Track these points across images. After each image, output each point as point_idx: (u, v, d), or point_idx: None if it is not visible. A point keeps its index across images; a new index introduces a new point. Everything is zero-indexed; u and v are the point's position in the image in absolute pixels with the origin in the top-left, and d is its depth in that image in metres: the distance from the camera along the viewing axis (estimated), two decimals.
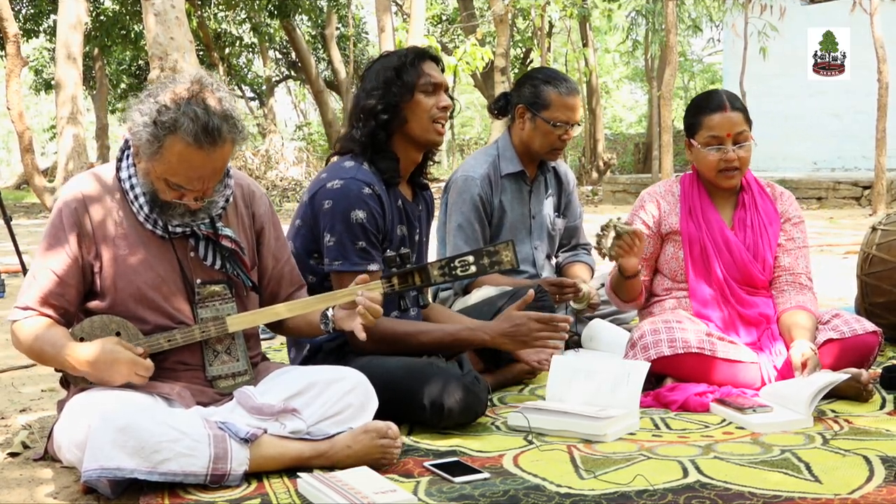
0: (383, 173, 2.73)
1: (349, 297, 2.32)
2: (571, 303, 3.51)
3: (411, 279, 2.32)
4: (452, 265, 2.32)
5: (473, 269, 2.32)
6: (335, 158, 2.84)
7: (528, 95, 3.51)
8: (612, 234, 2.95)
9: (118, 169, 2.34)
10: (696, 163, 3.13)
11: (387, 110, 2.72)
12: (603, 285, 3.83)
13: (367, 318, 2.28)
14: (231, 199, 2.43)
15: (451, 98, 2.83)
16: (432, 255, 3.44)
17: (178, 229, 2.32)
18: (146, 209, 2.29)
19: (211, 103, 2.18)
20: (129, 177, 2.31)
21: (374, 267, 2.64)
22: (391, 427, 2.24)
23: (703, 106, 3.09)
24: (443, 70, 2.84)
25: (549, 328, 2.68)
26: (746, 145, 3.05)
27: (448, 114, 2.78)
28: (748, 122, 3.07)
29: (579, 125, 3.59)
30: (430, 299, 3.01)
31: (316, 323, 2.40)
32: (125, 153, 2.33)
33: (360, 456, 2.19)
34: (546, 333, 2.68)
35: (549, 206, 3.71)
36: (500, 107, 3.65)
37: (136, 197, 2.30)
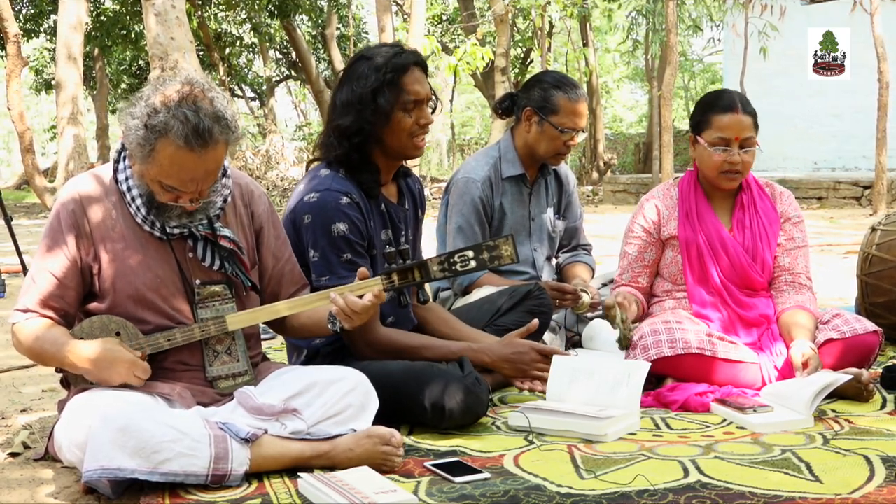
0: (362, 185, 2.68)
1: (349, 293, 2.31)
2: (571, 308, 3.51)
3: (411, 275, 2.31)
4: (452, 260, 2.31)
5: (473, 263, 2.31)
6: (315, 164, 2.80)
7: (538, 99, 3.49)
8: (619, 322, 2.96)
9: (115, 171, 2.33)
10: (699, 161, 3.11)
11: (359, 133, 2.64)
12: (604, 285, 3.84)
13: (348, 321, 2.28)
14: (230, 199, 2.43)
15: (436, 98, 2.73)
16: (429, 253, 3.43)
17: (176, 230, 2.32)
18: (143, 211, 2.29)
19: (202, 104, 2.17)
20: (126, 178, 2.31)
21: None
22: (395, 435, 2.23)
23: (714, 104, 3.06)
24: (426, 71, 2.71)
25: (548, 362, 2.73)
26: (752, 150, 3.04)
27: (428, 129, 2.70)
28: (756, 126, 3.06)
29: (584, 132, 3.58)
30: (429, 296, 3.00)
31: (323, 322, 2.40)
32: (121, 155, 2.33)
33: (361, 460, 2.19)
34: (544, 366, 2.72)
35: (549, 208, 3.71)
36: (505, 107, 3.64)
37: (133, 199, 2.30)
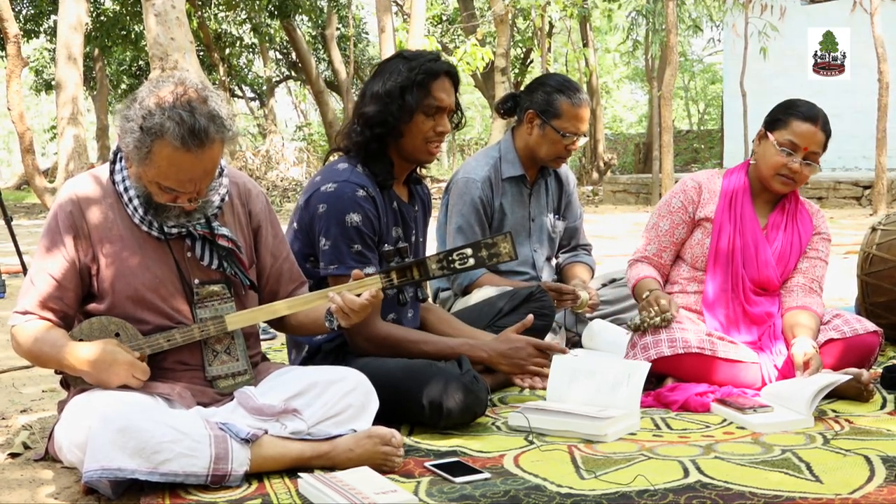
0: (377, 176, 2.72)
1: (347, 292, 2.32)
2: (570, 308, 3.51)
3: (410, 273, 2.31)
4: (451, 258, 2.31)
5: (472, 261, 2.31)
6: (334, 156, 2.84)
7: (541, 102, 3.49)
8: (657, 321, 2.95)
9: (112, 172, 2.33)
10: (760, 156, 3.10)
11: (383, 124, 2.69)
12: (604, 285, 3.84)
13: (346, 319, 2.29)
14: (227, 198, 2.43)
15: (461, 113, 2.81)
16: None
17: (174, 230, 2.32)
18: (141, 211, 2.29)
19: (196, 104, 2.17)
20: (123, 179, 2.31)
21: (370, 269, 2.63)
22: (395, 435, 2.23)
23: (799, 110, 3.06)
24: (456, 84, 2.78)
25: (545, 357, 2.73)
26: (813, 166, 3.05)
27: (444, 137, 2.75)
28: (825, 147, 3.07)
29: (586, 136, 3.59)
30: (428, 294, 3.01)
31: (321, 320, 2.40)
32: (118, 156, 2.33)
33: (361, 460, 2.19)
34: (541, 361, 2.72)
35: (548, 208, 3.71)
36: (507, 108, 3.65)
37: (130, 199, 2.30)
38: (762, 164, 3.09)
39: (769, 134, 3.07)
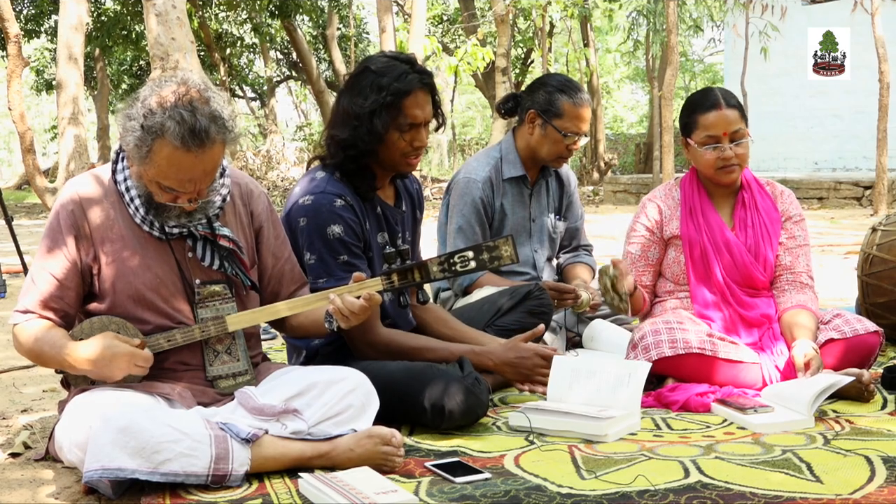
0: (357, 188, 2.70)
1: (347, 294, 2.32)
2: (571, 308, 3.51)
3: (411, 275, 2.32)
4: (452, 261, 2.32)
5: (473, 264, 2.32)
6: (315, 163, 2.81)
7: (542, 102, 3.49)
8: (608, 284, 2.96)
9: (114, 171, 2.34)
10: (695, 162, 3.13)
11: (354, 147, 2.65)
12: None
13: (345, 321, 2.29)
14: (229, 199, 2.43)
15: (442, 116, 2.75)
16: (430, 253, 3.42)
17: (175, 230, 2.32)
18: (142, 211, 2.29)
19: (198, 105, 2.17)
20: (125, 179, 2.31)
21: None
22: (395, 435, 2.23)
23: (698, 104, 3.08)
24: (433, 93, 2.70)
25: (550, 366, 2.72)
26: (744, 142, 3.05)
27: (423, 150, 2.70)
28: (744, 118, 3.06)
29: (587, 136, 3.59)
30: (429, 296, 3.01)
31: (321, 322, 2.40)
32: (120, 155, 2.33)
33: (361, 460, 2.19)
34: (547, 371, 2.73)
35: (549, 209, 3.71)
36: (508, 108, 3.65)
37: (132, 199, 2.30)
38: (699, 167, 3.12)
39: (689, 140, 3.09)
